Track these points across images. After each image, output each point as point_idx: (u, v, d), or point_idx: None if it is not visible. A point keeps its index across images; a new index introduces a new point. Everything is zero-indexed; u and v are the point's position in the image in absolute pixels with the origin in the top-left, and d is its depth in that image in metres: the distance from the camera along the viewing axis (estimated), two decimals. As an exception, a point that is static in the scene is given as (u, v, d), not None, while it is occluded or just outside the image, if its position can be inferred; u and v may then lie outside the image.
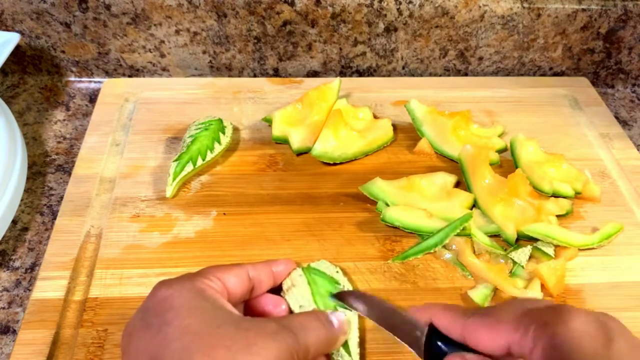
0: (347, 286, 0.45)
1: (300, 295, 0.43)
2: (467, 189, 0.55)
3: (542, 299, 0.36)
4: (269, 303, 0.42)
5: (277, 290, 0.44)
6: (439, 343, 0.35)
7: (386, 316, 0.39)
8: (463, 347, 0.34)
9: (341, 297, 0.43)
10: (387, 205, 0.52)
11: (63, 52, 0.68)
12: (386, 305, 0.41)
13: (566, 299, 0.47)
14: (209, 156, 0.55)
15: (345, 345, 0.41)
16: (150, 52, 0.68)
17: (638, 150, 0.62)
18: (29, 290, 0.48)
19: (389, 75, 0.73)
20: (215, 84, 0.68)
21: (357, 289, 0.44)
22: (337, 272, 0.46)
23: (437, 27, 0.68)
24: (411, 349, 0.36)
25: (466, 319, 0.33)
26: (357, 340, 0.41)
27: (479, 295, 0.46)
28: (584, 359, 0.28)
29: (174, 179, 0.53)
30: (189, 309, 0.34)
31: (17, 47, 0.66)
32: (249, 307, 0.42)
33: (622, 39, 0.70)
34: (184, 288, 0.35)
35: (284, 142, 0.59)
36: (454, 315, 0.34)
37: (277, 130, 0.59)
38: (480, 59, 0.71)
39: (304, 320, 0.36)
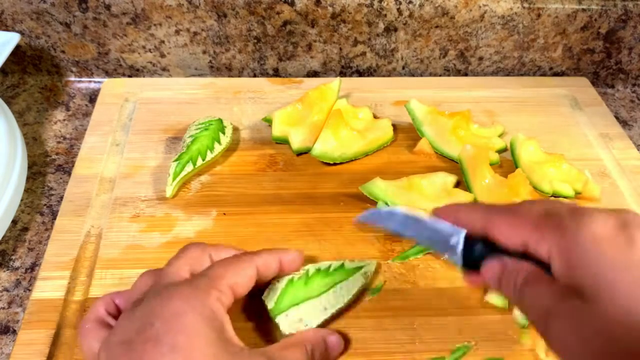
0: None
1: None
2: (467, 189, 0.55)
3: (566, 202, 0.35)
4: None
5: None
6: (475, 247, 0.35)
7: (418, 230, 0.39)
8: (499, 250, 0.34)
9: (368, 218, 0.42)
10: (387, 205, 0.52)
11: (63, 52, 0.68)
12: (416, 218, 0.39)
13: (566, 299, 0.47)
14: (209, 156, 0.55)
15: None
16: (150, 52, 0.68)
17: (638, 150, 0.62)
18: (29, 290, 0.48)
19: (389, 75, 0.73)
20: (215, 84, 0.68)
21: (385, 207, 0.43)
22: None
23: (437, 27, 0.68)
24: (449, 258, 0.36)
25: (492, 215, 0.33)
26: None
27: (498, 298, 0.45)
28: (602, 266, 0.27)
29: (174, 179, 0.53)
30: (198, 337, 0.33)
31: (17, 47, 0.66)
32: None
33: (622, 39, 0.70)
34: (198, 305, 0.34)
35: (284, 142, 0.59)
36: (480, 212, 0.34)
37: (277, 130, 0.59)
38: (481, 59, 0.71)
39: (290, 352, 0.36)
